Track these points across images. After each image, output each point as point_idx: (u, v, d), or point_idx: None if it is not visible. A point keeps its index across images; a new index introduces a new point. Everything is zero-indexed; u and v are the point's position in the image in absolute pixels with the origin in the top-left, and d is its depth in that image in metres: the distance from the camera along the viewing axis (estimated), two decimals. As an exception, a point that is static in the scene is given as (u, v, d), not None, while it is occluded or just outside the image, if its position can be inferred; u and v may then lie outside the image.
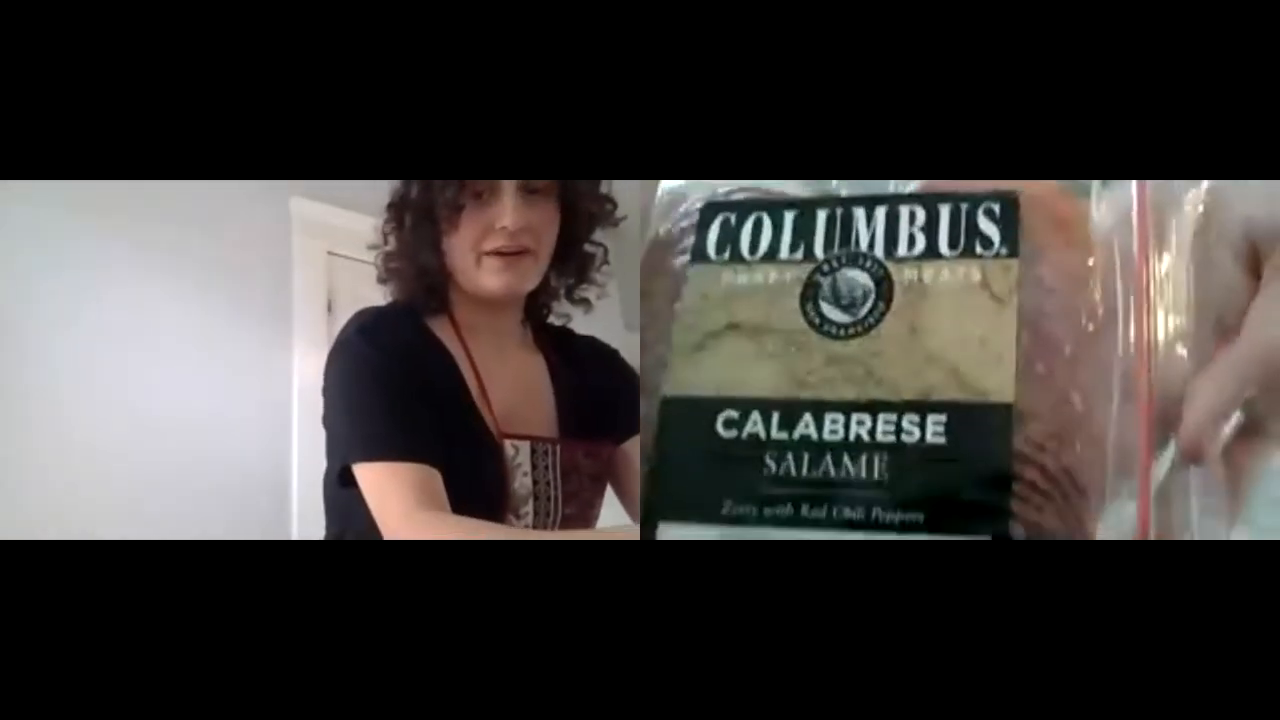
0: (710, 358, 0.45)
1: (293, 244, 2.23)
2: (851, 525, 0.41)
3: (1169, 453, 0.41)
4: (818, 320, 0.45)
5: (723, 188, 0.51)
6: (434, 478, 0.84)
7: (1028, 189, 0.45)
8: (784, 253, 0.47)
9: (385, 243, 0.97)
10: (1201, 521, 0.41)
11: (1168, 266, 0.43)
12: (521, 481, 0.93)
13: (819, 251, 0.46)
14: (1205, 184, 0.44)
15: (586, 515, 1.00)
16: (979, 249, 0.44)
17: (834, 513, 0.41)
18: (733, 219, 0.48)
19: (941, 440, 0.41)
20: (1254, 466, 0.42)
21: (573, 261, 1.01)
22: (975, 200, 0.45)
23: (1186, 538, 0.41)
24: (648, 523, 0.44)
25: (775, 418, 0.43)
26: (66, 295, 1.80)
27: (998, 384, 0.41)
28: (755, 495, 0.42)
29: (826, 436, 0.42)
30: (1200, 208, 0.44)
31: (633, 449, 1.01)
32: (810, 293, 0.45)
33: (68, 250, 1.82)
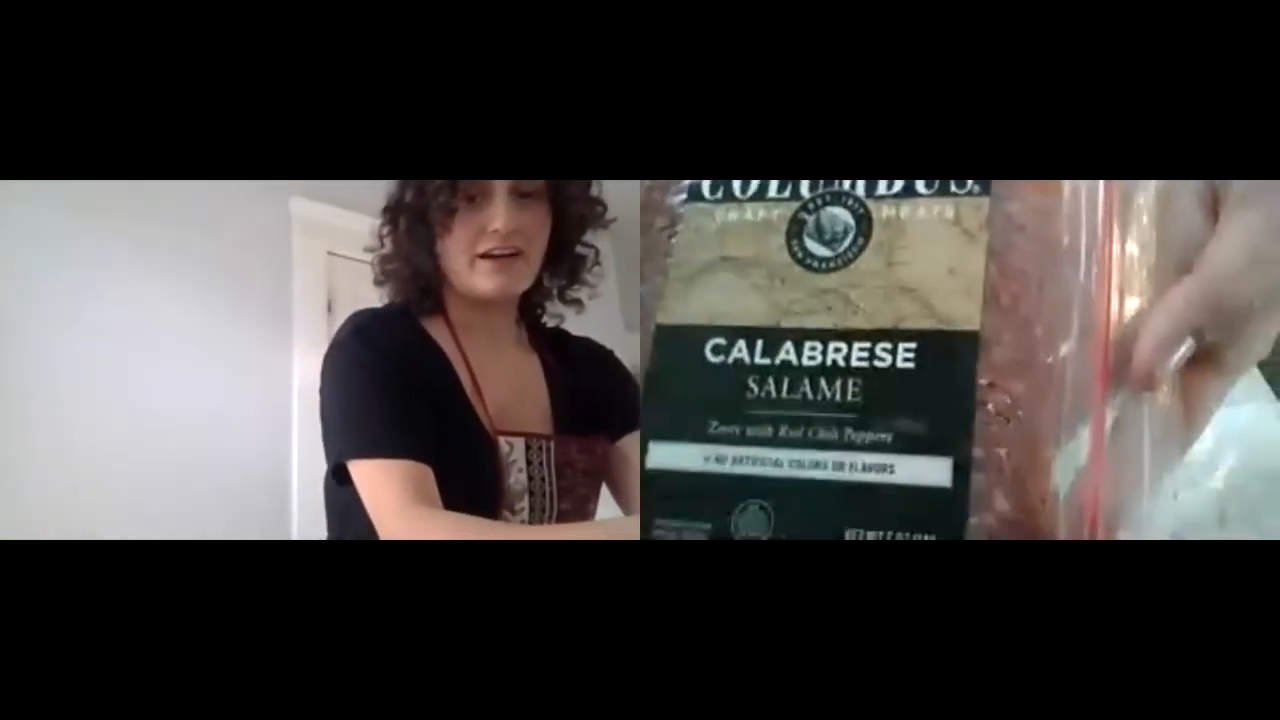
0: (701, 289, 0.48)
1: (293, 244, 2.23)
2: (825, 445, 0.44)
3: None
4: (801, 254, 0.48)
5: None
6: (427, 474, 0.86)
7: None
8: (772, 191, 0.50)
9: (381, 245, 0.98)
10: (1153, 449, 0.43)
11: (1134, 206, 0.45)
12: (516, 478, 0.94)
13: (805, 190, 0.49)
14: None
15: (582, 511, 1.00)
16: (953, 187, 0.47)
17: (809, 433, 0.44)
18: None
19: (911, 365, 0.44)
20: (1206, 394, 0.45)
21: (565, 263, 1.02)
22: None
23: (1138, 464, 0.43)
24: (641, 442, 0.47)
25: (759, 345, 0.46)
26: (66, 295, 1.80)
27: (965, 313, 0.44)
28: (739, 416, 0.45)
29: (805, 362, 0.45)
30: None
31: (629, 447, 1.01)
32: (795, 229, 0.48)
33: (68, 250, 1.82)
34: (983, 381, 0.43)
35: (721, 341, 0.47)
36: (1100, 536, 0.41)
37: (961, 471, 0.42)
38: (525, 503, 0.96)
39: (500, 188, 0.93)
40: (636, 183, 0.61)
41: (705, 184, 0.51)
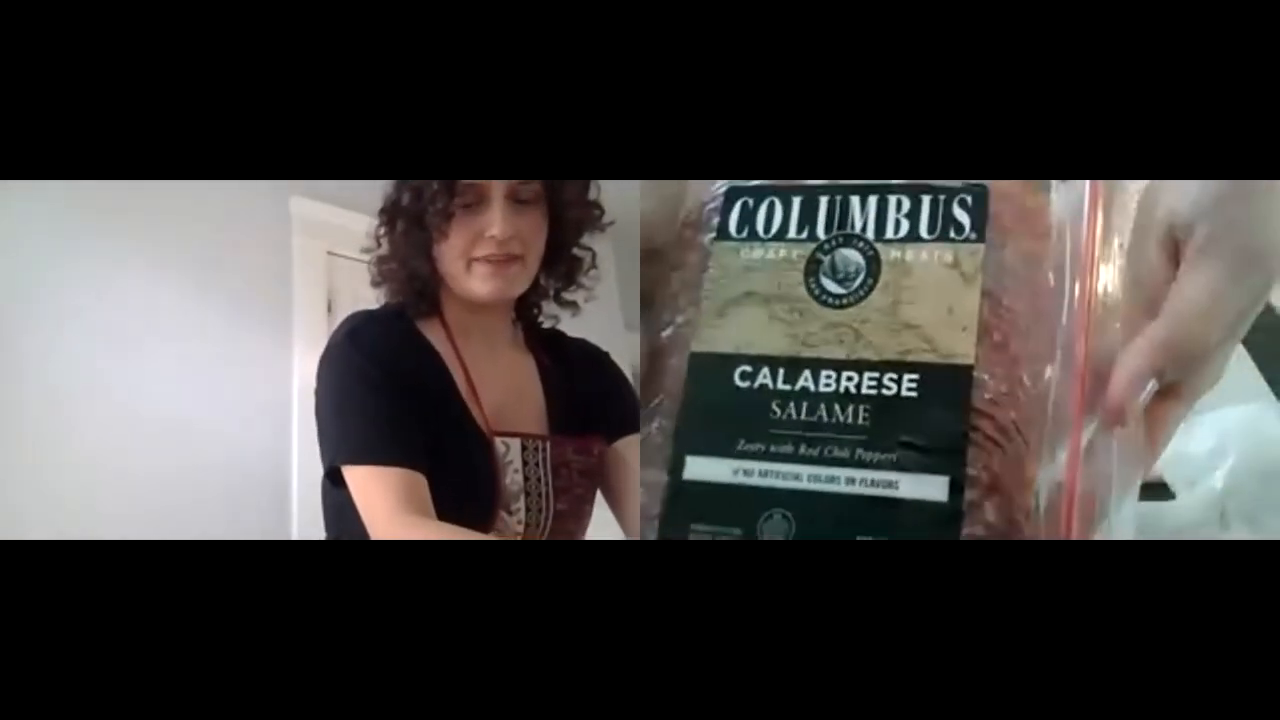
0: (730, 321, 0.54)
1: (293, 244, 2.22)
2: (838, 462, 0.50)
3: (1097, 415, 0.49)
4: (817, 291, 0.54)
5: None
6: (419, 482, 0.86)
7: (996, 184, 0.53)
8: (791, 233, 0.55)
9: (378, 245, 0.98)
10: (1120, 470, 0.49)
11: (1111, 251, 0.51)
12: (513, 478, 0.94)
13: (820, 233, 0.55)
14: (1142, 184, 0.52)
15: (579, 511, 1.00)
16: (953, 234, 0.52)
17: (825, 451, 0.50)
18: (750, 203, 0.57)
19: (914, 394, 0.50)
20: (1167, 420, 0.51)
21: (561, 265, 1.02)
22: (951, 192, 0.54)
23: (1106, 483, 0.48)
24: (676, 456, 0.52)
25: (781, 372, 0.52)
26: (66, 295, 1.80)
27: (962, 349, 0.50)
28: (763, 435, 0.51)
29: (821, 389, 0.51)
30: (1135, 205, 0.52)
31: (625, 450, 1.01)
32: (812, 268, 0.54)
33: (67, 250, 1.82)
34: (976, 409, 0.48)
35: (748, 369, 0.53)
36: (1077, 539, 0.46)
37: (957, 488, 0.47)
38: (521, 503, 0.96)
39: (497, 193, 0.93)
40: (636, 185, 0.61)
41: (732, 223, 0.56)
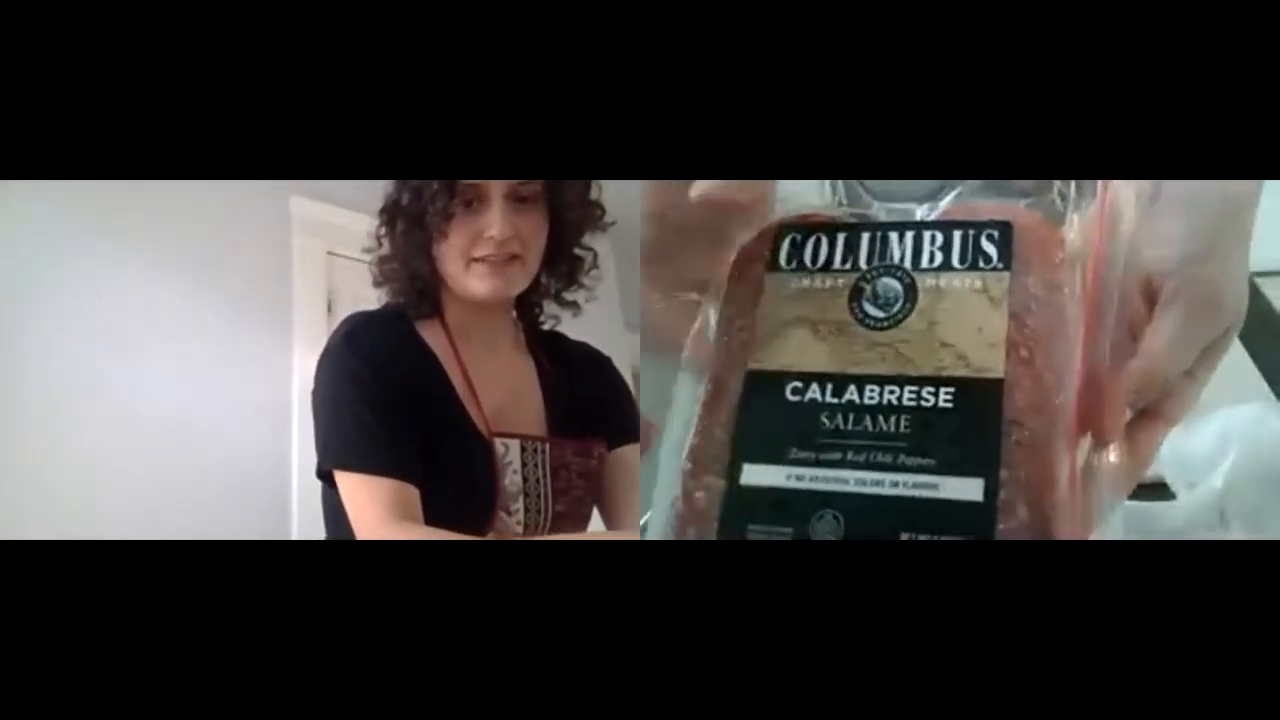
0: (782, 342, 0.60)
1: (293, 244, 2.22)
2: (883, 467, 0.55)
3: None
4: (861, 315, 0.59)
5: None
6: (409, 492, 0.86)
7: (1020, 220, 0.60)
8: (837, 264, 0.61)
9: (379, 245, 0.98)
10: (1110, 480, 0.55)
11: (1106, 290, 0.58)
12: (512, 479, 0.95)
13: (863, 264, 0.61)
14: (1129, 226, 0.59)
15: (578, 513, 1.01)
16: (981, 264, 0.59)
17: (870, 458, 0.55)
18: (799, 238, 0.63)
19: (950, 405, 0.55)
20: (1150, 442, 0.58)
21: (562, 265, 1.02)
22: (980, 227, 0.60)
23: (1098, 489, 0.54)
24: (733, 464, 0.57)
25: (829, 387, 0.58)
26: (66, 295, 1.80)
27: (992, 364, 0.55)
28: (813, 444, 0.56)
29: (866, 401, 0.57)
30: (1123, 245, 0.59)
31: (624, 459, 1.01)
32: (856, 295, 0.60)
33: (67, 250, 1.82)
34: (1007, 418, 0.54)
35: (799, 385, 0.58)
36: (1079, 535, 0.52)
37: (991, 489, 0.52)
38: (520, 504, 0.96)
39: (497, 193, 0.93)
40: (636, 186, 0.61)
41: (782, 255, 0.63)
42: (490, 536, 0.93)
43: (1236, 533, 0.69)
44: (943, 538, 0.51)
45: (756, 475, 0.56)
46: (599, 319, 1.12)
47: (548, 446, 0.99)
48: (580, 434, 1.02)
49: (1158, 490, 0.74)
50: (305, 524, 1.93)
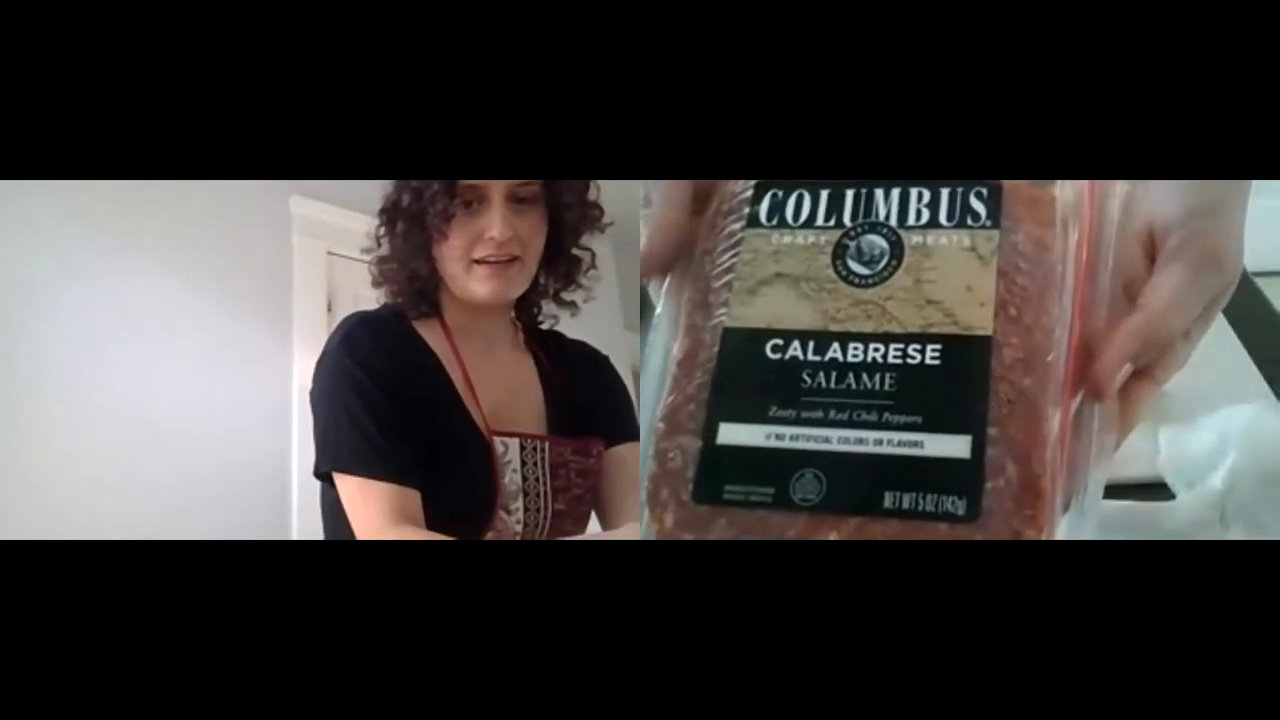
0: (761, 299, 0.58)
1: (293, 244, 2.22)
2: (867, 425, 0.53)
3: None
4: (845, 273, 0.58)
5: None
6: (408, 496, 0.86)
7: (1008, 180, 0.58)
8: (820, 220, 0.60)
9: (378, 246, 0.98)
10: (1099, 438, 0.54)
11: (1103, 242, 0.57)
12: (511, 478, 0.95)
13: (847, 220, 0.59)
14: (1127, 187, 0.59)
15: (578, 511, 1.01)
16: (969, 221, 0.57)
17: (853, 415, 0.54)
18: (780, 194, 0.61)
19: (937, 363, 0.54)
20: (1140, 398, 0.57)
21: (561, 265, 1.02)
22: (969, 185, 0.59)
23: (1088, 449, 0.53)
24: (709, 423, 0.56)
25: (810, 345, 0.56)
26: (65, 294, 1.80)
27: (980, 321, 0.54)
28: (794, 403, 0.55)
29: (850, 359, 0.55)
30: (1119, 202, 0.59)
31: (622, 458, 1.01)
32: (839, 252, 0.58)
33: (67, 250, 1.82)
34: (995, 375, 0.53)
35: (779, 342, 0.57)
36: (1062, 497, 0.51)
37: (978, 446, 0.51)
38: (520, 503, 0.96)
39: (496, 194, 0.93)
40: (636, 185, 0.61)
41: (763, 211, 0.61)
42: (490, 535, 0.93)
43: (1236, 533, 0.69)
44: (928, 497, 0.50)
45: (734, 434, 0.55)
46: (598, 319, 1.13)
47: (547, 445, 0.99)
48: (579, 433, 1.03)
49: (1158, 490, 0.74)
50: (305, 524, 1.93)
